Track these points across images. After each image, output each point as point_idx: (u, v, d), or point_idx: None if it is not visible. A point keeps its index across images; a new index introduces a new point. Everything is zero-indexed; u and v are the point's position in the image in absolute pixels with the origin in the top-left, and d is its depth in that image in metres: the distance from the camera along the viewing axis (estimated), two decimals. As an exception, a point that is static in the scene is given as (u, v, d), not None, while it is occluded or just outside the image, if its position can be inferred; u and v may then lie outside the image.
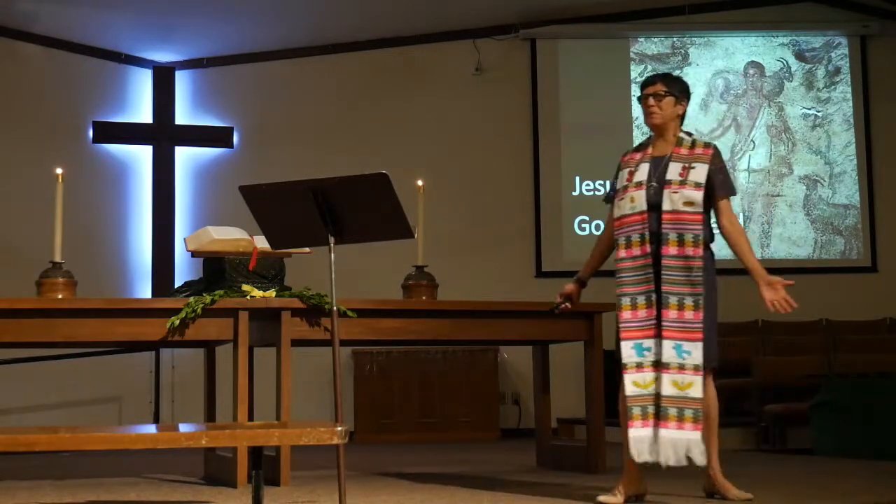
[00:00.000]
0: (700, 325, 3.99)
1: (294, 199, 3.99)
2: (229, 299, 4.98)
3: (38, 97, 10.03)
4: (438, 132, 10.60)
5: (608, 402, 5.79)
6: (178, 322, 4.87)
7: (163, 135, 10.22)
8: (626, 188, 4.15)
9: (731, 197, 4.22)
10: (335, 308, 4.06)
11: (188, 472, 5.71)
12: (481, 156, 10.62)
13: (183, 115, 10.35)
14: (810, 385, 7.56)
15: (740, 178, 10.94)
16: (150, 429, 3.80)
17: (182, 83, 10.41)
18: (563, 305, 4.50)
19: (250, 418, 5.17)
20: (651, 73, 4.37)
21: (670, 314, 4.00)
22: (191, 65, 10.43)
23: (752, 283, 4.30)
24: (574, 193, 10.69)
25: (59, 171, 5.06)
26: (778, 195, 10.95)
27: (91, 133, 10.09)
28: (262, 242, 4.90)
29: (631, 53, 11.02)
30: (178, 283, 7.64)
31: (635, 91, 10.96)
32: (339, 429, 3.17)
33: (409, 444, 8.98)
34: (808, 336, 9.43)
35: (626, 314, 4.09)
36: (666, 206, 4.04)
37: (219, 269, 5.25)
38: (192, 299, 4.93)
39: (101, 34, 10.06)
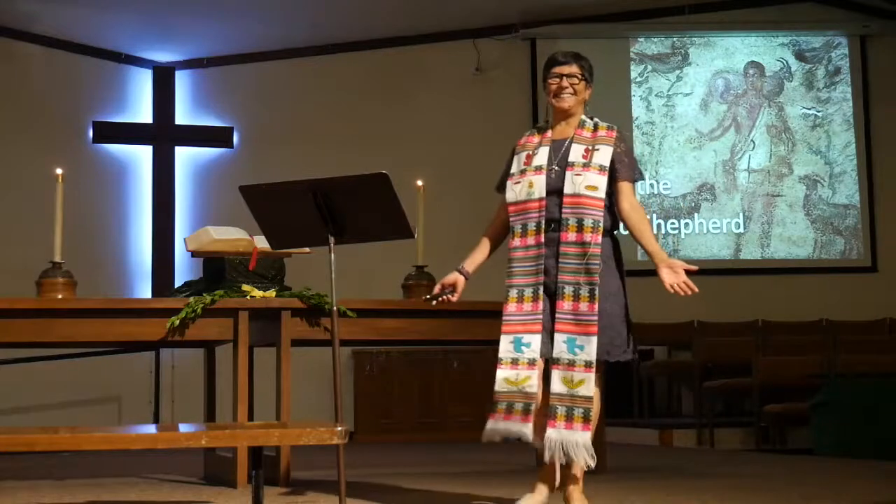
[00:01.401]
0: (594, 318, 3.71)
1: (294, 199, 3.98)
2: (229, 299, 4.98)
3: (38, 97, 10.03)
4: (438, 132, 10.59)
5: (608, 402, 5.79)
6: (178, 322, 4.87)
7: (163, 135, 10.22)
8: (523, 172, 3.87)
9: (637, 182, 3.95)
10: (335, 308, 4.06)
11: (188, 472, 5.71)
12: (481, 156, 10.59)
13: (183, 115, 10.35)
14: (810, 385, 7.56)
15: (740, 178, 10.94)
16: (150, 429, 3.81)
17: (182, 83, 10.41)
18: (442, 297, 3.95)
19: (250, 418, 5.17)
20: (560, 52, 3.99)
21: (564, 305, 3.73)
22: (191, 65, 10.43)
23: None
24: (574, 193, 10.67)
25: (59, 171, 5.07)
26: (778, 195, 10.95)
27: (91, 133, 10.09)
28: (262, 242, 4.89)
29: (631, 53, 11.02)
30: (178, 283, 7.64)
31: (635, 91, 11.02)
32: (339, 429, 3.17)
33: (409, 444, 8.98)
34: (808, 336, 9.42)
35: (511, 307, 3.81)
36: (567, 188, 3.78)
37: (219, 269, 5.25)
38: (192, 299, 4.93)
39: (101, 34, 10.06)
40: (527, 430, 3.69)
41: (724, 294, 10.36)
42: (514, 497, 3.92)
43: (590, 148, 3.86)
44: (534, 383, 3.69)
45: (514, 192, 3.88)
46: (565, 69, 3.90)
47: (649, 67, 11.02)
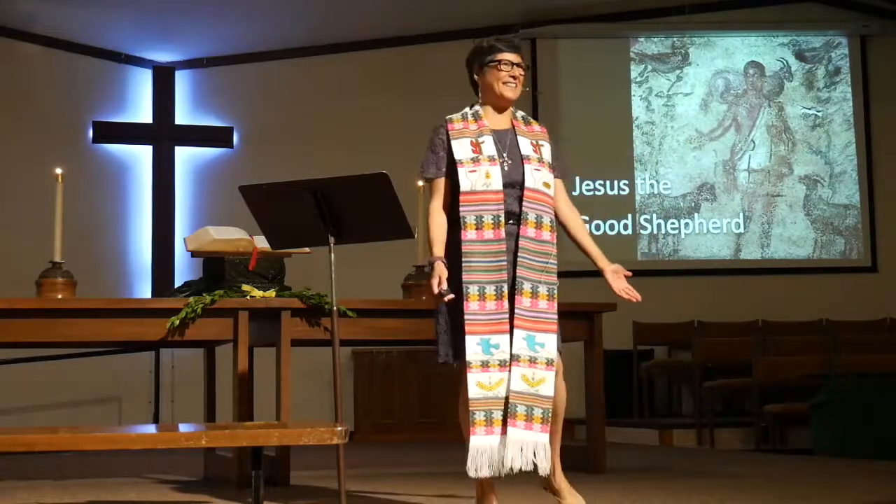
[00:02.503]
0: (554, 317, 3.63)
1: (294, 199, 3.99)
2: (229, 299, 4.98)
3: (38, 97, 10.03)
4: (438, 132, 10.59)
5: (608, 402, 5.80)
6: (178, 322, 4.87)
7: (163, 135, 10.22)
8: (476, 160, 3.66)
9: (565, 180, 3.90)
10: (335, 308, 4.06)
11: (188, 472, 5.71)
12: (481, 156, 10.60)
13: (183, 115, 10.35)
14: (810, 385, 7.57)
15: (740, 178, 10.94)
16: (150, 429, 3.80)
17: (182, 83, 10.41)
18: (450, 295, 3.62)
19: (250, 418, 5.17)
20: (501, 40, 3.78)
21: (523, 301, 3.60)
22: (191, 65, 10.43)
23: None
24: (574, 193, 10.67)
25: (59, 171, 5.07)
26: (778, 195, 10.95)
27: (91, 133, 10.09)
28: (262, 242, 4.90)
29: (631, 53, 11.02)
30: (178, 283, 7.63)
31: (635, 91, 11.02)
32: (339, 429, 3.17)
33: (409, 444, 8.98)
34: (808, 336, 9.43)
35: (473, 305, 3.59)
36: (529, 182, 3.66)
37: (219, 269, 5.25)
38: (192, 299, 4.93)
39: (101, 34, 10.06)
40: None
41: (724, 294, 10.36)
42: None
43: (534, 143, 3.76)
44: (504, 387, 3.57)
45: (469, 181, 3.66)
46: (514, 57, 3.76)
47: (649, 67, 11.02)
